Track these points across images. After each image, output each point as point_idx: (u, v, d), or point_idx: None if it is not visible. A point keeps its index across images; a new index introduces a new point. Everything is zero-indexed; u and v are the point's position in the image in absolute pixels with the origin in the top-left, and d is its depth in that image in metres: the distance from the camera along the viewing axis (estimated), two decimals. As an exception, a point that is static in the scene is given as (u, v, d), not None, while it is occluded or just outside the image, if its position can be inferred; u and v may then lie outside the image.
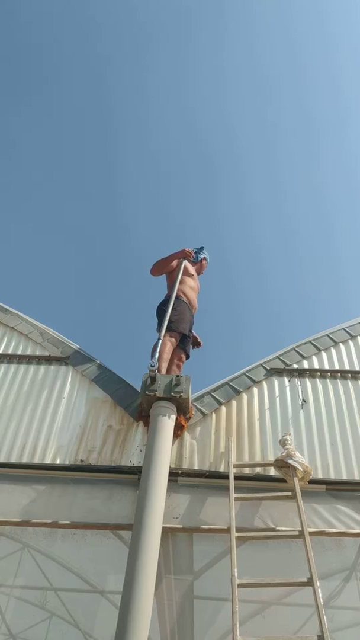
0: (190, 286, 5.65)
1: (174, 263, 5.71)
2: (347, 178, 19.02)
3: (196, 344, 5.72)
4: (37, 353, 5.28)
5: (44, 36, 16.38)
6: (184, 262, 5.71)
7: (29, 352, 5.30)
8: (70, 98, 17.18)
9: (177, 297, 5.35)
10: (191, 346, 5.51)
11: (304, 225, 19.24)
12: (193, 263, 5.97)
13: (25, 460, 4.31)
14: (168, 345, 4.91)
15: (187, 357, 5.24)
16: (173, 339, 5.00)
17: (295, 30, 16.45)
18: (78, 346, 5.35)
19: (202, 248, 6.19)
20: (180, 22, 15.96)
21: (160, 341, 4.80)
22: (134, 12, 15.76)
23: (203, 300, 5.94)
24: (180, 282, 5.53)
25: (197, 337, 5.71)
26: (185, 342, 5.20)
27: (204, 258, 6.15)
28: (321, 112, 18.26)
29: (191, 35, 16.11)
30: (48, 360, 5.18)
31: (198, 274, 6.00)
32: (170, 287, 5.48)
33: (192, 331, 5.58)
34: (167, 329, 4.97)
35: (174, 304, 5.21)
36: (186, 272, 5.71)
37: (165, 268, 5.70)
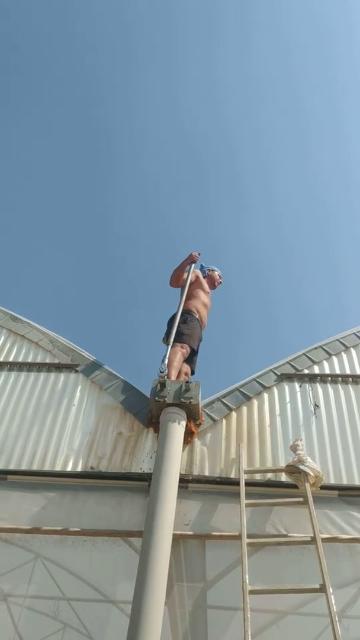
0: (204, 302, 5.66)
1: (192, 276, 5.69)
2: (345, 178, 18.94)
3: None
4: (47, 361, 5.30)
5: (32, 37, 16.44)
6: (192, 267, 5.71)
7: (39, 359, 5.32)
8: (60, 101, 17.20)
9: (190, 312, 5.38)
10: None
11: (303, 228, 19.18)
12: (207, 283, 5.96)
13: (35, 467, 4.32)
14: (179, 354, 4.91)
15: (193, 373, 5.25)
16: (184, 350, 5.00)
17: (289, 30, 16.46)
18: (88, 353, 5.36)
19: (202, 267, 6.15)
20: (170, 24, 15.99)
21: (171, 349, 4.80)
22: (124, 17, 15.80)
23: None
24: (195, 297, 5.57)
25: None
26: (192, 358, 5.21)
27: (214, 271, 6.11)
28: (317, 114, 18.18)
29: (182, 37, 16.14)
30: (58, 367, 5.19)
31: (211, 288, 5.99)
32: (186, 301, 5.48)
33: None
34: (179, 340, 4.98)
35: (187, 318, 5.25)
36: (202, 288, 5.72)
37: (182, 277, 5.69)
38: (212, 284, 6.05)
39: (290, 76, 17.33)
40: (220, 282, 6.14)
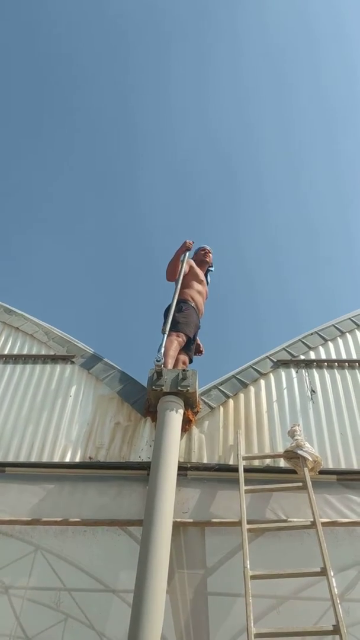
0: (198, 291, 5.64)
1: (186, 267, 5.66)
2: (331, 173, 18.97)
3: (198, 351, 5.70)
4: (43, 352, 5.28)
5: (60, 42, 16.37)
6: (186, 255, 5.68)
7: (34, 351, 5.30)
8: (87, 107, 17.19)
9: (186, 301, 5.36)
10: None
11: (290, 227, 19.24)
12: (199, 265, 5.92)
13: (34, 459, 4.31)
14: (175, 343, 4.90)
15: (190, 361, 5.24)
16: (180, 339, 4.99)
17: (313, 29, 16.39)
18: (83, 344, 5.34)
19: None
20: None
21: (167, 337, 4.78)
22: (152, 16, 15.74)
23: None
24: (189, 287, 5.54)
25: (200, 344, 5.70)
26: (189, 347, 5.19)
27: (199, 252, 6.08)
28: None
29: (210, 41, 16.10)
30: (54, 359, 5.17)
31: (202, 269, 5.94)
32: (181, 290, 5.45)
33: (197, 337, 5.57)
34: (175, 329, 4.97)
35: (182, 307, 5.23)
36: (195, 278, 5.70)
37: (177, 269, 5.65)
38: (202, 264, 5.99)
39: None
40: (207, 255, 6.07)
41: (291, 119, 17.98)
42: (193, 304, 5.42)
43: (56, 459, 4.30)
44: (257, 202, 18.78)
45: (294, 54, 17.15)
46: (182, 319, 5.12)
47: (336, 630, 2.98)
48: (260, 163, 18.62)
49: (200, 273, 5.82)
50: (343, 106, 18.22)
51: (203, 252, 6.06)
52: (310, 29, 16.51)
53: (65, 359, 5.16)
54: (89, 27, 16.01)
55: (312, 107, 17.73)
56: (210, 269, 6.09)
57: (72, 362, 5.12)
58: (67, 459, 4.29)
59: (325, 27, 16.81)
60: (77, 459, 4.28)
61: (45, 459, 4.30)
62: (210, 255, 6.12)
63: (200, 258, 5.99)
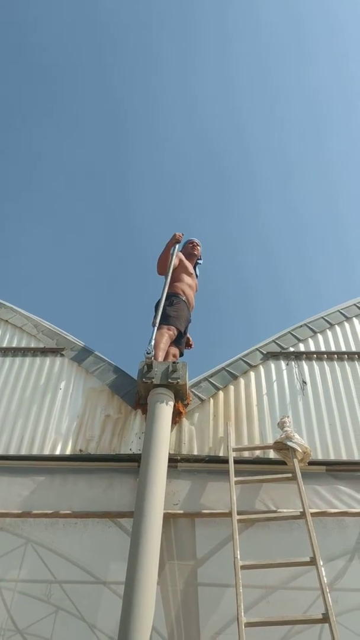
0: (189, 284, 5.64)
1: (176, 261, 5.64)
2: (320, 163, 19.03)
3: (187, 345, 5.70)
4: (32, 345, 5.25)
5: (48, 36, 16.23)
6: (176, 248, 5.67)
7: (23, 344, 5.27)
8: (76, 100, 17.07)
9: (177, 295, 5.36)
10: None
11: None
12: (187, 258, 5.91)
13: (24, 452, 4.31)
14: (166, 336, 4.90)
15: (181, 354, 5.24)
16: (171, 332, 5.00)
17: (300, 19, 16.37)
18: (73, 337, 5.32)
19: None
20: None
21: (157, 330, 4.78)
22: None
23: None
24: (180, 280, 5.53)
25: (190, 338, 5.70)
26: (180, 340, 5.19)
27: (187, 245, 6.07)
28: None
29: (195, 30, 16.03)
30: (43, 351, 5.15)
31: (191, 262, 5.94)
32: (172, 284, 5.44)
33: (187, 331, 5.57)
34: (166, 322, 4.97)
35: (173, 300, 5.23)
36: (185, 270, 5.69)
37: (167, 262, 5.63)
38: (191, 257, 5.98)
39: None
40: (195, 248, 6.06)
41: (280, 112, 17.98)
42: (184, 298, 5.42)
43: (46, 451, 4.29)
44: (247, 194, 18.78)
45: (283, 47, 17.17)
46: (173, 312, 5.13)
47: (325, 618, 3.01)
48: (250, 155, 18.62)
49: (190, 266, 5.82)
50: (332, 100, 18.25)
51: (191, 245, 6.05)
52: (300, 20, 16.49)
53: (54, 351, 5.14)
54: (74, 17, 15.89)
55: (302, 101, 17.73)
56: (199, 262, 6.09)
57: (62, 355, 5.10)
58: (58, 452, 4.29)
59: (316, 18, 16.80)
60: (68, 452, 4.28)
61: (35, 451, 4.29)
62: (199, 248, 6.11)
63: (189, 251, 5.98)
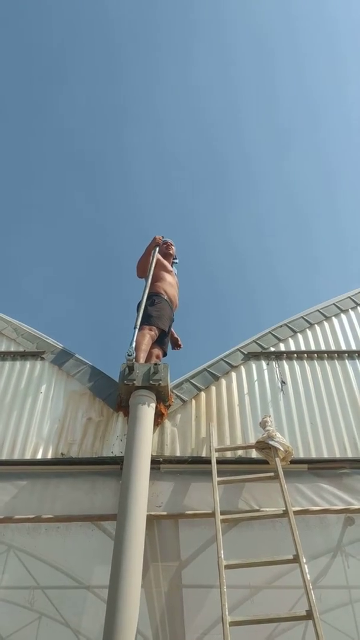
0: (170, 283, 5.63)
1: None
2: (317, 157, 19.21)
3: (176, 345, 5.71)
4: (12, 349, 5.20)
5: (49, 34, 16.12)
6: (156, 250, 5.68)
7: (3, 348, 5.22)
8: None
9: (158, 294, 5.35)
10: (170, 346, 5.51)
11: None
12: (164, 258, 5.92)
13: (4, 457, 4.26)
14: (147, 337, 4.89)
15: (165, 354, 5.23)
16: (152, 333, 4.98)
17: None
18: (53, 340, 5.29)
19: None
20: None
21: (139, 331, 4.77)
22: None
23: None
24: (160, 280, 5.53)
25: (178, 338, 5.72)
26: (163, 340, 5.18)
27: (165, 244, 6.07)
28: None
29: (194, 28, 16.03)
30: (23, 355, 5.11)
31: (168, 260, 5.95)
32: (153, 283, 5.43)
33: (172, 330, 5.57)
34: (147, 323, 4.96)
35: (155, 300, 5.22)
36: (164, 269, 5.69)
37: (148, 265, 5.63)
38: (167, 257, 5.98)
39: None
40: (170, 247, 6.07)
41: (276, 101, 18.04)
42: (166, 297, 5.42)
43: (28, 456, 4.25)
44: (244, 191, 18.84)
45: (278, 32, 17.19)
46: (154, 312, 5.11)
47: (309, 615, 3.02)
48: (244, 147, 18.68)
49: (167, 264, 5.83)
50: (327, 86, 18.37)
51: (165, 245, 6.05)
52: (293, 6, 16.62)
53: (35, 355, 5.10)
54: (74, 11, 15.80)
55: (297, 88, 17.86)
56: (175, 261, 6.11)
57: (42, 359, 5.07)
58: (39, 456, 4.25)
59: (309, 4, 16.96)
60: (49, 456, 4.24)
61: (16, 456, 4.25)
62: (173, 247, 6.13)
63: (164, 251, 5.98)
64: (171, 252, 6.05)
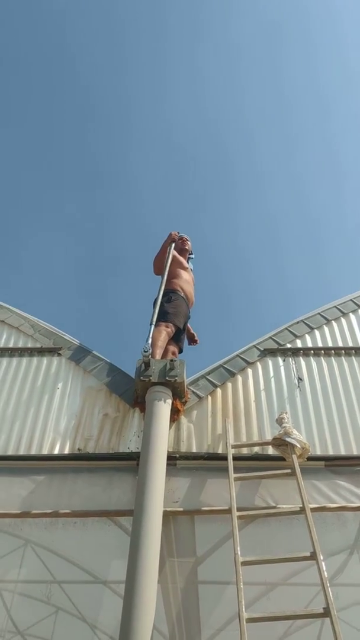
0: (186, 280, 5.63)
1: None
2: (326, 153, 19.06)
3: (193, 341, 5.71)
4: (29, 345, 5.24)
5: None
6: (172, 247, 5.68)
7: (20, 344, 5.26)
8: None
9: (175, 291, 5.35)
10: (187, 342, 5.51)
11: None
12: (180, 254, 5.91)
13: (22, 452, 4.30)
14: (164, 333, 4.89)
15: (181, 351, 5.23)
16: (169, 329, 4.98)
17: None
18: (70, 337, 5.32)
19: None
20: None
21: (155, 328, 4.78)
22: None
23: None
24: (177, 276, 5.53)
25: (195, 334, 5.71)
26: (179, 337, 5.17)
27: (180, 239, 6.06)
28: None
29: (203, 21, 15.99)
30: (40, 351, 5.14)
31: (184, 257, 5.94)
32: (169, 280, 5.43)
33: (189, 326, 5.57)
34: (164, 319, 4.96)
35: (171, 297, 5.22)
36: (180, 266, 5.69)
37: (164, 262, 5.62)
38: (183, 252, 5.98)
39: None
40: (185, 243, 6.06)
41: (287, 102, 17.94)
42: (182, 294, 5.41)
43: (45, 451, 4.28)
44: (250, 187, 18.77)
45: (287, 33, 17.02)
46: (171, 309, 5.11)
47: (326, 613, 3.01)
48: (254, 150, 18.61)
49: (184, 261, 5.83)
50: (336, 85, 18.23)
51: (181, 241, 6.04)
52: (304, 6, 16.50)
53: (52, 351, 5.13)
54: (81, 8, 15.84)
55: (306, 87, 17.75)
56: (191, 256, 6.10)
57: (59, 355, 5.09)
58: (56, 451, 4.28)
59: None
60: (66, 451, 4.27)
61: (34, 451, 4.28)
62: (189, 243, 6.12)
63: (179, 247, 5.97)
64: (187, 247, 6.04)
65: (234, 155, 18.83)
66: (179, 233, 5.88)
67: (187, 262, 5.96)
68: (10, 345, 5.26)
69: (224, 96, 17.57)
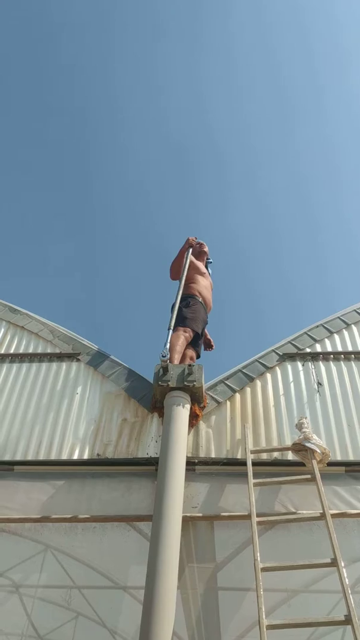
0: (204, 285, 5.63)
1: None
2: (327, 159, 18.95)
3: (209, 346, 5.70)
4: (48, 350, 5.28)
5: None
6: (189, 252, 5.69)
7: (39, 350, 5.30)
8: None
9: (193, 296, 5.35)
10: (203, 347, 5.50)
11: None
12: (197, 257, 5.92)
13: (42, 457, 4.32)
14: (182, 338, 4.89)
15: (198, 356, 5.23)
16: (187, 334, 4.98)
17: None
18: (89, 342, 5.34)
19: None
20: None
21: (173, 333, 4.78)
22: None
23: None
24: (195, 282, 5.53)
25: (211, 339, 5.70)
26: (197, 342, 5.17)
27: (198, 243, 6.06)
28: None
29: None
30: (59, 357, 5.17)
31: (202, 262, 5.94)
32: (187, 285, 5.44)
33: (206, 331, 5.56)
34: (182, 324, 4.96)
35: (190, 302, 5.22)
36: (198, 271, 5.69)
37: (181, 267, 5.63)
38: (201, 255, 5.98)
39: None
40: (203, 246, 6.07)
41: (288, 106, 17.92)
42: (200, 299, 5.41)
43: (64, 456, 4.30)
44: (252, 190, 18.74)
45: (287, 30, 17.06)
46: (189, 314, 5.12)
47: (348, 620, 2.96)
48: (255, 149, 18.60)
49: (201, 265, 5.83)
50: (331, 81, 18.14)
51: (199, 244, 6.04)
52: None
53: (71, 356, 5.16)
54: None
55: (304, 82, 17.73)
56: (209, 260, 6.10)
57: (78, 360, 5.12)
58: (75, 456, 4.29)
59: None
60: (85, 456, 4.28)
61: (53, 456, 4.31)
62: (206, 247, 6.12)
63: (197, 250, 5.98)
64: (205, 250, 6.05)
65: (234, 156, 18.81)
66: (196, 238, 5.89)
67: (206, 267, 5.96)
68: (30, 351, 5.30)
69: (224, 98, 17.57)
